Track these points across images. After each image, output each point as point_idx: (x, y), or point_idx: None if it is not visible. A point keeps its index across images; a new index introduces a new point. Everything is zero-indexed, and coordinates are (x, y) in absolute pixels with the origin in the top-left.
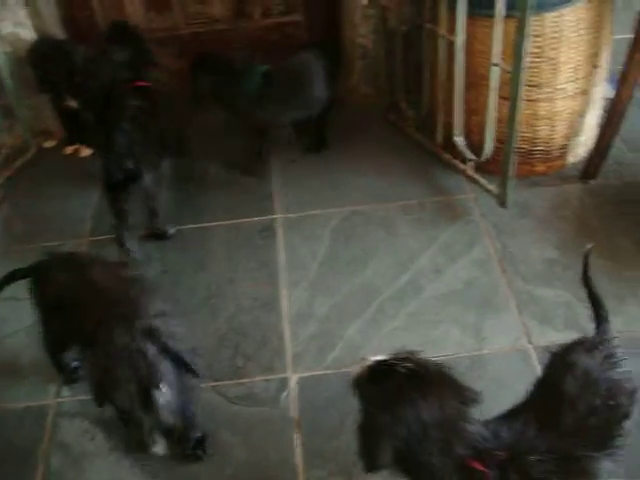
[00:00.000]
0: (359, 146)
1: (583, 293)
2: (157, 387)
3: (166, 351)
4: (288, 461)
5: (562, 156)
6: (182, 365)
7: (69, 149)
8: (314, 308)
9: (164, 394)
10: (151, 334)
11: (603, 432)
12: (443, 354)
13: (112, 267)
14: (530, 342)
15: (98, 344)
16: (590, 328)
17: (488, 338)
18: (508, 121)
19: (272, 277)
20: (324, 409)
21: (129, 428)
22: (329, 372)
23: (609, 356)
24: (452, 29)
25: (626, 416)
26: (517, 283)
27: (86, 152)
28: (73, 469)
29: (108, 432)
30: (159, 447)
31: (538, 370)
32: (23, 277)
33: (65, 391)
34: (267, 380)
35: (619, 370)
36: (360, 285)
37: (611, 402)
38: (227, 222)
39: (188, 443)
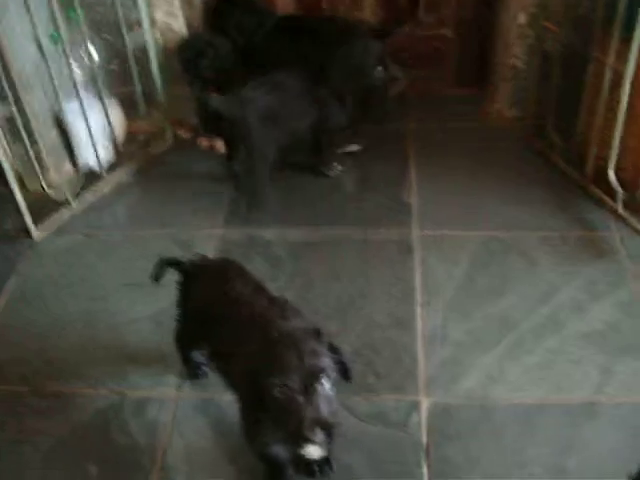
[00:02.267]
0: (500, 170)
1: None
2: (320, 378)
3: (330, 350)
4: None
5: None
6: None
7: (204, 142)
8: (449, 331)
9: (325, 387)
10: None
11: None
12: (580, 397)
13: (255, 284)
14: None
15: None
16: None
17: (629, 386)
18: None
19: (407, 295)
20: (453, 439)
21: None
22: (461, 401)
23: None
24: (620, 59)
25: None
26: None
27: (222, 148)
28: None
29: (228, 434)
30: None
31: None
32: (176, 268)
33: (187, 385)
34: (398, 401)
35: None
36: (497, 314)
37: None
38: (361, 230)
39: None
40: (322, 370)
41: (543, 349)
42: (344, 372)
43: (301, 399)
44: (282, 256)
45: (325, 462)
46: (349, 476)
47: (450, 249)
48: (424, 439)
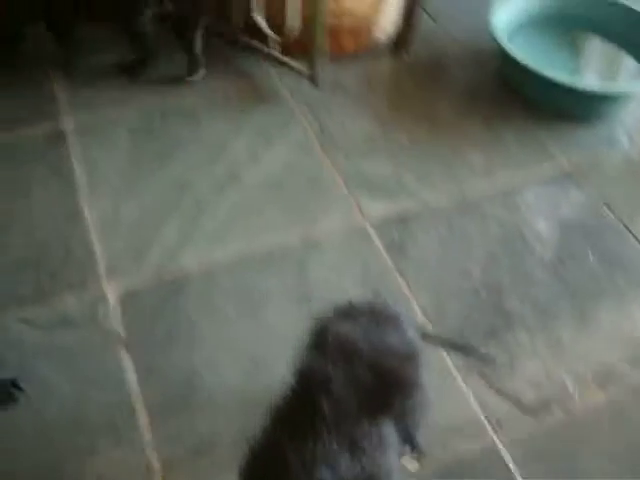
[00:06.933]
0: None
1: (407, 159)
2: None
3: None
4: (121, 384)
5: (370, 31)
6: None
7: None
8: (122, 213)
9: None
10: None
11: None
12: (275, 242)
13: None
14: (364, 217)
15: None
16: (419, 191)
17: (320, 220)
18: None
19: (69, 189)
20: (152, 322)
21: None
22: (151, 281)
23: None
24: None
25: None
26: (340, 160)
27: None
28: None
29: None
30: None
31: (378, 245)
32: None
33: None
34: (80, 298)
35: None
36: (170, 183)
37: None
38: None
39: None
40: None
41: (224, 206)
42: None
43: None
44: None
45: (12, 385)
46: (48, 391)
47: (107, 130)
48: (120, 331)
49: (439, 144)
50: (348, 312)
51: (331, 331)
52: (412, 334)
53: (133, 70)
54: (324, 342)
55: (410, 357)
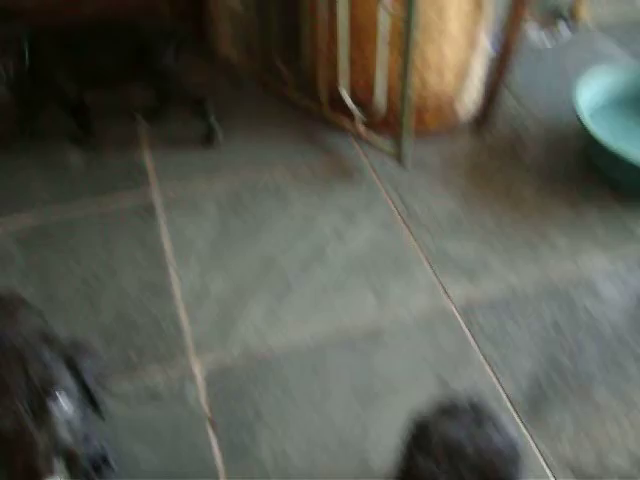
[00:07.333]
0: (235, 114)
1: (492, 240)
2: (53, 394)
3: (70, 365)
4: (206, 462)
5: (453, 109)
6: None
7: None
8: (210, 287)
9: (62, 405)
10: (51, 341)
11: None
12: (364, 323)
13: None
14: (450, 299)
15: None
16: (505, 275)
17: (406, 300)
18: (401, 70)
19: (157, 260)
20: (238, 402)
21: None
22: (238, 358)
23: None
24: None
25: None
26: (425, 240)
27: None
28: None
29: None
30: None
31: (463, 328)
32: None
33: None
34: (167, 373)
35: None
36: (257, 258)
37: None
38: (95, 202)
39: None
40: (54, 382)
41: (311, 284)
42: (87, 394)
43: (31, 425)
44: (10, 251)
45: (102, 461)
46: (135, 466)
47: (196, 202)
48: (206, 409)
49: (523, 226)
50: (448, 408)
51: (434, 429)
52: (512, 432)
53: (209, 140)
54: (428, 440)
55: (513, 459)
